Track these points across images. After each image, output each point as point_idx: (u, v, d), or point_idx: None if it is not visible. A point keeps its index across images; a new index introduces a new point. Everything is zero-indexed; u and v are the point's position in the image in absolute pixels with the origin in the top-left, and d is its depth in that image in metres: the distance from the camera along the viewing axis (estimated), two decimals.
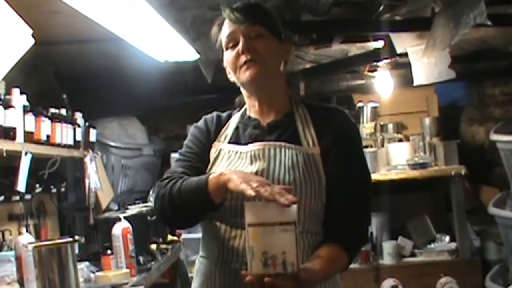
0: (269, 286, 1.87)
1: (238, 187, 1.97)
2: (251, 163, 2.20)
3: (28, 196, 4.05)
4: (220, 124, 2.38)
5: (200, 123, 2.42)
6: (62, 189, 4.65)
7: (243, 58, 2.20)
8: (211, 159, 2.29)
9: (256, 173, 2.15)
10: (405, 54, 5.22)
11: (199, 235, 2.35)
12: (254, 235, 1.89)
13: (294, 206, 1.91)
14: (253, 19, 2.22)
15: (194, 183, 2.12)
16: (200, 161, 2.30)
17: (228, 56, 2.26)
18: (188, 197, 2.12)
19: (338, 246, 2.15)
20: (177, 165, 2.34)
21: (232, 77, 2.30)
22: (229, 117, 2.40)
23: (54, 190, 4.55)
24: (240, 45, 2.20)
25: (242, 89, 2.34)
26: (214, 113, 2.43)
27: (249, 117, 2.34)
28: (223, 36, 2.26)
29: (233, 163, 2.23)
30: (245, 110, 2.37)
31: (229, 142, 2.30)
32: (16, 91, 3.51)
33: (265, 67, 2.21)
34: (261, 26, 2.23)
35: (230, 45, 2.24)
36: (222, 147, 2.30)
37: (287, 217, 1.89)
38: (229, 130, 2.34)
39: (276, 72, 2.28)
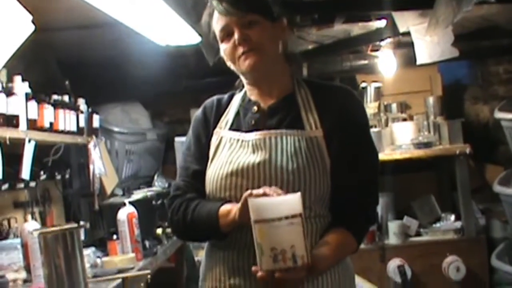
0: (281, 281, 1.87)
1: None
2: (253, 152, 2.19)
3: (32, 184, 4.04)
4: (220, 110, 2.36)
5: (199, 112, 2.41)
6: (67, 176, 4.65)
7: (240, 50, 2.19)
8: (213, 148, 2.29)
9: (259, 163, 2.15)
10: (408, 33, 5.21)
11: None
12: (261, 231, 1.89)
13: (298, 198, 1.91)
14: (243, 8, 2.19)
15: (205, 216, 2.17)
16: (201, 162, 2.30)
17: (224, 48, 2.24)
18: (200, 228, 2.21)
19: (346, 230, 2.15)
20: (181, 175, 2.35)
21: (231, 66, 2.28)
22: (230, 99, 2.38)
23: (58, 177, 4.55)
24: (236, 36, 2.18)
25: (242, 77, 2.33)
26: (215, 98, 2.42)
27: (250, 100, 2.32)
28: (216, 29, 2.24)
29: (235, 152, 2.22)
30: (246, 91, 2.36)
31: (230, 129, 2.29)
32: (18, 79, 3.50)
33: (264, 55, 2.20)
34: (252, 13, 2.20)
35: (225, 37, 2.22)
36: (223, 134, 2.29)
37: (292, 210, 1.89)
38: (229, 115, 2.33)
39: (275, 55, 2.26)
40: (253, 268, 1.93)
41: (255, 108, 2.28)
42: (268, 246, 1.87)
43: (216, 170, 2.21)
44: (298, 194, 1.93)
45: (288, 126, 2.21)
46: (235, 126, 2.29)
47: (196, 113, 2.42)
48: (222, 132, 2.30)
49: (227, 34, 2.21)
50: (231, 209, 2.10)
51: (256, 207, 1.91)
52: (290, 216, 1.88)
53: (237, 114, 2.32)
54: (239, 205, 2.04)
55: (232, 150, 2.23)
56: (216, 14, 2.23)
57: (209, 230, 2.16)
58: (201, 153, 2.30)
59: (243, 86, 2.37)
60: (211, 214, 2.14)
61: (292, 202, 1.91)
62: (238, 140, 2.24)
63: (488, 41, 6.54)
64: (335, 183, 2.16)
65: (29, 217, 3.84)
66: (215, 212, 2.13)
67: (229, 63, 2.27)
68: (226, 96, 2.41)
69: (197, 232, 2.25)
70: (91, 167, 4.51)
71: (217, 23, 2.23)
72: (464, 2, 3.85)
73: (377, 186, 2.27)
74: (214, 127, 2.33)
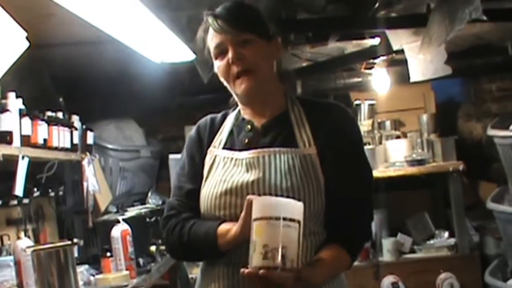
0: (265, 280, 1.86)
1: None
2: (247, 171, 2.18)
3: (26, 200, 4.03)
4: (214, 129, 2.36)
5: (193, 131, 2.41)
6: (60, 193, 4.64)
7: (234, 69, 2.18)
8: (207, 167, 2.28)
9: (253, 182, 2.15)
10: (401, 51, 5.22)
11: None
12: (258, 228, 1.90)
13: (301, 206, 1.92)
14: (238, 27, 2.18)
15: (203, 235, 2.17)
16: (195, 181, 2.29)
17: (218, 66, 2.23)
18: (197, 248, 2.20)
19: (341, 246, 2.14)
20: (175, 194, 2.35)
21: (225, 83, 2.28)
22: (224, 118, 2.38)
23: (52, 194, 4.53)
24: (230, 55, 2.18)
25: (235, 96, 2.33)
26: (208, 117, 2.42)
27: (243, 119, 2.32)
28: (211, 46, 2.24)
29: (229, 171, 2.21)
30: (239, 110, 2.35)
31: (224, 148, 2.29)
32: (11, 95, 3.49)
33: (258, 76, 2.20)
34: (247, 32, 2.19)
35: (219, 55, 2.22)
36: (217, 153, 2.28)
37: (292, 214, 1.90)
38: (223, 134, 2.32)
39: (269, 75, 2.26)
40: (242, 269, 1.92)
41: (249, 126, 2.28)
42: (261, 243, 1.88)
43: (210, 189, 2.21)
44: (301, 203, 1.95)
45: (281, 144, 2.21)
46: (229, 145, 2.29)
47: (190, 133, 2.42)
48: (216, 151, 2.29)
49: (221, 51, 2.21)
50: (230, 228, 2.10)
51: (259, 205, 1.93)
52: (288, 218, 1.89)
53: (231, 133, 2.32)
54: (240, 221, 2.04)
55: (226, 169, 2.22)
56: (211, 31, 2.23)
57: (207, 249, 2.16)
58: (195, 172, 2.30)
59: (237, 105, 2.37)
60: (210, 233, 2.14)
61: (294, 207, 1.92)
62: (232, 159, 2.24)
63: (481, 59, 6.57)
64: (329, 200, 2.16)
65: (22, 234, 3.83)
66: (214, 231, 2.13)
67: (222, 80, 2.27)
68: (219, 115, 2.41)
69: (194, 252, 2.25)
70: (85, 184, 4.50)
71: (212, 40, 2.23)
72: (457, 20, 3.87)
73: (372, 202, 2.27)
74: (208, 146, 2.32)
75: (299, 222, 1.90)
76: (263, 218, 1.90)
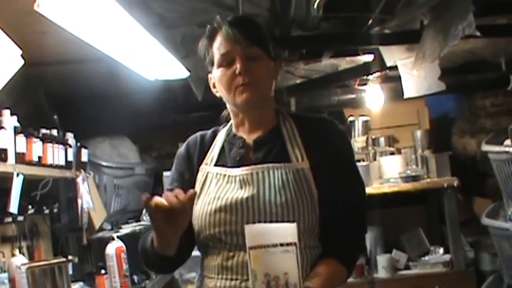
0: None
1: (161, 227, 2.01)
2: (241, 187, 2.18)
3: (20, 218, 4.02)
4: (204, 146, 2.36)
5: (182, 149, 2.42)
6: (55, 210, 4.63)
7: (239, 80, 2.17)
8: (199, 184, 2.28)
9: (247, 198, 2.14)
10: (395, 67, 5.23)
11: (194, 253, 2.34)
12: (256, 257, 1.89)
13: (294, 228, 1.92)
14: (251, 40, 2.19)
15: (146, 245, 2.21)
16: None
17: (221, 75, 2.22)
18: (149, 256, 2.22)
19: (337, 260, 2.15)
20: None
21: (218, 93, 2.28)
22: (214, 135, 2.38)
23: (46, 211, 4.53)
24: (238, 66, 2.16)
25: (229, 105, 2.32)
26: (198, 134, 2.42)
27: (235, 135, 2.32)
28: (217, 53, 2.22)
29: (222, 188, 2.21)
30: (231, 126, 2.36)
31: (216, 165, 2.29)
32: (6, 113, 3.50)
33: (261, 91, 2.21)
34: (258, 48, 2.20)
35: (224, 63, 2.20)
36: (209, 170, 2.28)
37: (288, 238, 1.90)
38: (215, 151, 2.32)
39: (269, 93, 2.27)
40: None
41: (240, 143, 2.28)
42: (262, 272, 1.88)
43: (204, 206, 2.21)
44: (294, 224, 1.95)
45: (274, 160, 2.21)
46: (221, 162, 2.29)
47: (179, 150, 2.43)
48: (208, 168, 2.29)
49: (227, 61, 2.20)
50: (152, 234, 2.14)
51: (252, 233, 1.92)
52: (286, 243, 1.89)
53: (222, 149, 2.32)
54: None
55: (219, 186, 2.22)
56: (219, 38, 2.22)
57: (153, 256, 2.18)
58: (184, 189, 2.30)
59: (227, 121, 2.38)
60: (147, 243, 2.20)
61: (288, 230, 1.92)
62: (224, 175, 2.24)
63: (474, 74, 6.59)
64: (323, 213, 2.16)
65: (16, 251, 3.82)
66: (150, 241, 2.17)
67: (220, 90, 2.26)
68: (209, 132, 2.41)
69: (150, 261, 2.26)
70: (79, 201, 4.50)
71: (220, 47, 2.21)
72: (450, 37, 3.89)
73: (365, 214, 2.28)
74: (200, 163, 2.32)
75: (295, 244, 1.90)
76: (260, 247, 1.89)
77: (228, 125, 2.37)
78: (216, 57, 2.23)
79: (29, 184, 3.84)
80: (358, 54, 5.49)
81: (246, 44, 2.18)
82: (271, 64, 2.25)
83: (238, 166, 2.23)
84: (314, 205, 2.15)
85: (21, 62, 2.97)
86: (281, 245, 1.88)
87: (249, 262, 1.91)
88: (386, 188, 6.08)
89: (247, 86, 2.17)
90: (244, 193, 2.16)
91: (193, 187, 2.26)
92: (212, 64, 2.26)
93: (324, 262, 2.14)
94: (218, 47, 2.22)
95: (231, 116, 2.34)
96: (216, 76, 2.25)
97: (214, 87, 2.29)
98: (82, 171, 4.60)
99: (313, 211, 2.15)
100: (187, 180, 2.32)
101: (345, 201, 2.19)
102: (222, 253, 2.17)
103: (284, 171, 2.18)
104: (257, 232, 1.92)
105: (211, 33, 2.26)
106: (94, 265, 4.55)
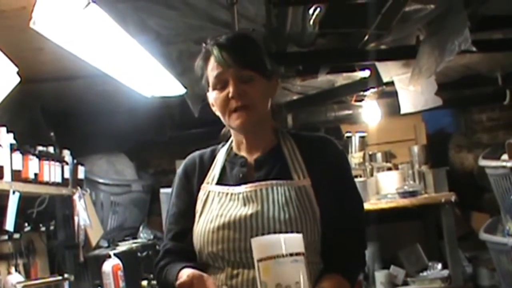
0: None
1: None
2: (244, 204, 2.17)
3: (16, 235, 4.02)
4: (204, 166, 2.35)
5: (180, 171, 2.39)
6: (51, 227, 4.63)
7: (233, 104, 2.16)
8: (201, 203, 2.26)
9: (251, 215, 2.13)
10: (392, 83, 5.24)
11: None
12: (265, 269, 1.88)
13: (301, 238, 1.92)
14: (242, 63, 2.16)
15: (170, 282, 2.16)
16: (182, 223, 2.29)
17: (215, 97, 2.21)
18: None
19: (339, 275, 2.14)
20: (165, 238, 2.36)
21: (218, 114, 2.26)
22: (213, 154, 2.37)
23: (43, 229, 4.52)
24: (231, 90, 2.15)
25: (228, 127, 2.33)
26: (196, 154, 2.40)
27: (236, 155, 2.32)
28: (211, 75, 2.21)
29: (225, 205, 2.20)
30: (230, 145, 2.35)
31: (217, 183, 2.28)
32: (2, 130, 3.49)
33: (255, 113, 2.19)
34: (250, 70, 2.18)
35: (218, 86, 2.19)
36: (210, 188, 2.27)
37: (296, 248, 1.89)
38: (215, 170, 2.31)
39: (265, 112, 2.26)
40: None
41: (242, 162, 2.28)
42: (273, 283, 1.86)
43: (206, 224, 2.19)
44: (301, 234, 1.95)
45: (276, 177, 2.21)
46: (222, 181, 2.28)
47: (178, 172, 2.41)
48: (210, 187, 2.28)
49: (221, 84, 2.18)
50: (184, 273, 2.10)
51: (259, 245, 1.91)
52: (295, 253, 1.88)
53: (223, 168, 2.31)
54: (190, 273, 2.04)
55: (222, 204, 2.21)
56: (212, 60, 2.20)
57: None
58: (183, 213, 2.29)
59: (226, 139, 2.37)
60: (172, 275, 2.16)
61: (295, 240, 1.92)
62: (227, 193, 2.23)
63: (471, 89, 6.59)
64: (325, 229, 2.17)
65: (12, 269, 3.81)
66: (174, 278, 2.13)
67: (217, 112, 2.25)
68: (208, 151, 2.40)
69: None
70: (76, 218, 4.49)
71: (212, 70, 2.20)
72: (446, 52, 3.89)
73: (364, 230, 2.29)
74: (201, 183, 2.30)
75: (303, 254, 1.90)
76: (270, 258, 1.87)
77: (228, 144, 2.36)
78: (210, 79, 2.22)
79: (26, 201, 3.83)
80: (355, 70, 5.50)
81: (238, 67, 2.16)
82: (266, 84, 2.23)
83: (240, 184, 2.22)
84: (316, 222, 2.15)
85: (17, 79, 2.98)
86: (291, 255, 1.87)
87: (259, 275, 1.89)
88: (383, 204, 6.06)
89: (241, 110, 2.17)
90: (248, 210, 2.16)
91: (194, 208, 2.26)
92: (208, 85, 2.25)
93: (327, 278, 2.13)
94: (211, 69, 2.21)
95: (232, 134, 2.34)
96: (211, 97, 2.24)
97: (213, 105, 2.28)
98: (79, 188, 4.59)
99: (315, 227, 2.15)
100: (186, 203, 2.31)
101: (345, 218, 2.19)
102: (225, 271, 2.15)
103: (287, 188, 2.18)
104: (264, 244, 1.91)
105: (205, 55, 2.24)
106: (91, 283, 4.55)
